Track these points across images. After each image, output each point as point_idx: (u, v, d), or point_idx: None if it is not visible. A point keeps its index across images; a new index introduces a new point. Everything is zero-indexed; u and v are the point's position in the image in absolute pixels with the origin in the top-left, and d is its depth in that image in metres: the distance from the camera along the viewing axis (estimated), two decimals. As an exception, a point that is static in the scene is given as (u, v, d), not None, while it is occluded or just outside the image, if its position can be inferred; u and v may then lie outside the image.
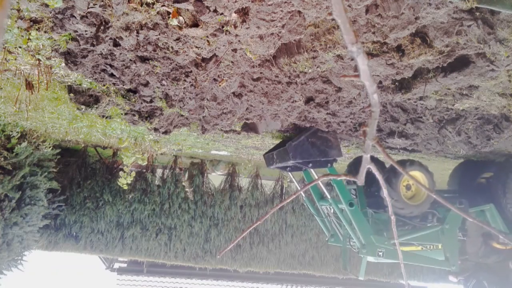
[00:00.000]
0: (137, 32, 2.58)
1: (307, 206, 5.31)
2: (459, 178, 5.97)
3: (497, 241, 5.00)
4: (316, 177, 4.88)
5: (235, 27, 2.42)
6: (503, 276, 5.01)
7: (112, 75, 3.24)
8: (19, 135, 5.52)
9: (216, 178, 9.06)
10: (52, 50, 2.93)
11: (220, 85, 3.29)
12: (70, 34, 2.71)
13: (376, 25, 2.40)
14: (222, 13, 2.28)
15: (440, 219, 4.91)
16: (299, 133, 4.37)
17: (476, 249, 5.05)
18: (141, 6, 2.31)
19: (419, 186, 1.10)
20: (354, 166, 5.71)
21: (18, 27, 2.64)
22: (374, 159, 5.67)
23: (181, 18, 2.36)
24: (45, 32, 2.68)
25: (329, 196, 4.66)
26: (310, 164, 4.25)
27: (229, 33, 2.51)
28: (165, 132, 4.29)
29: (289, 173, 5.26)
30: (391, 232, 4.77)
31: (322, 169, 4.50)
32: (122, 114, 4.07)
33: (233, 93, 3.56)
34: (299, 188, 5.74)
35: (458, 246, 4.97)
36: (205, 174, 8.78)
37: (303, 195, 5.43)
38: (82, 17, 2.50)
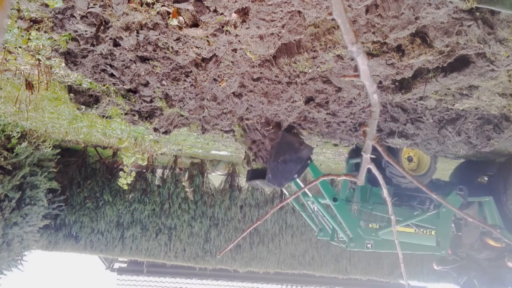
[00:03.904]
0: (137, 32, 2.58)
1: (292, 203, 5.31)
2: (460, 175, 5.99)
3: (491, 237, 4.99)
4: (302, 186, 4.86)
5: (235, 27, 2.42)
6: (494, 275, 5.00)
7: (112, 75, 3.24)
8: (19, 135, 5.52)
9: (216, 178, 9.06)
10: (52, 50, 2.93)
11: (220, 85, 3.29)
12: (70, 34, 2.71)
13: (376, 25, 2.40)
14: (222, 13, 2.28)
15: (437, 206, 4.92)
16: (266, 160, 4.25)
17: (472, 241, 5.04)
18: (141, 6, 2.31)
19: (413, 181, 1.11)
20: (355, 153, 5.72)
21: (18, 27, 2.64)
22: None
23: (181, 18, 2.36)
24: (45, 32, 2.68)
25: (310, 194, 4.63)
26: (296, 175, 4.22)
27: (229, 33, 2.51)
28: (165, 132, 4.29)
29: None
30: (385, 206, 4.81)
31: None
32: (122, 114, 4.07)
33: (233, 93, 3.56)
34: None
35: (451, 232, 4.98)
36: (205, 174, 8.78)
37: (286, 192, 5.40)
38: (82, 17, 2.50)
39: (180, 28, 2.42)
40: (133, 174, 6.46)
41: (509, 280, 4.92)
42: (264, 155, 4.17)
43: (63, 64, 3.08)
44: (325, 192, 4.30)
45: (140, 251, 8.42)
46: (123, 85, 3.39)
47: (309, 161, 4.26)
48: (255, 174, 4.31)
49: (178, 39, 2.62)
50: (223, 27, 2.46)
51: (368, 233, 4.43)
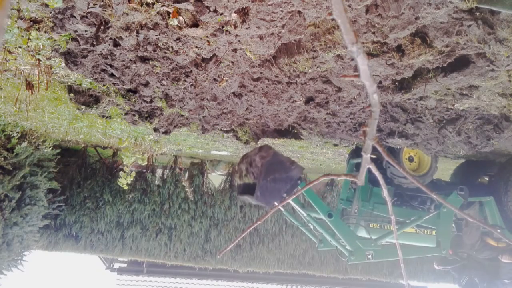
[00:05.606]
0: (137, 32, 2.58)
1: (289, 219, 5.21)
2: (461, 175, 6.00)
3: (492, 237, 4.99)
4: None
5: (235, 27, 2.42)
6: (495, 275, 5.00)
7: (112, 75, 3.24)
8: (19, 135, 5.52)
9: (216, 178, 9.06)
10: (52, 50, 2.93)
11: (220, 85, 3.29)
12: (70, 34, 2.71)
13: (376, 25, 2.40)
14: (222, 13, 2.28)
15: (438, 206, 4.91)
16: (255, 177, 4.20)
17: (473, 241, 5.03)
18: (141, 6, 2.31)
19: (413, 181, 1.12)
20: (356, 153, 5.71)
21: (18, 27, 2.64)
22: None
23: (181, 18, 2.36)
24: (45, 32, 2.68)
25: (304, 214, 4.56)
26: (284, 194, 4.16)
27: (229, 33, 2.51)
28: (165, 132, 4.29)
29: None
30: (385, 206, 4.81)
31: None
32: (122, 114, 4.07)
33: (233, 93, 3.56)
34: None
35: (452, 232, 4.97)
36: (205, 174, 8.79)
37: (282, 209, 5.32)
38: (82, 17, 2.50)
39: (180, 28, 2.42)
40: (133, 174, 6.46)
41: (506, 275, 4.93)
42: (255, 171, 4.13)
43: (63, 64, 3.08)
44: (318, 208, 4.23)
45: (140, 251, 8.42)
46: (123, 85, 3.39)
47: (299, 181, 4.23)
48: (246, 188, 4.25)
49: (178, 39, 2.62)
50: (223, 27, 2.46)
51: (367, 244, 4.40)
